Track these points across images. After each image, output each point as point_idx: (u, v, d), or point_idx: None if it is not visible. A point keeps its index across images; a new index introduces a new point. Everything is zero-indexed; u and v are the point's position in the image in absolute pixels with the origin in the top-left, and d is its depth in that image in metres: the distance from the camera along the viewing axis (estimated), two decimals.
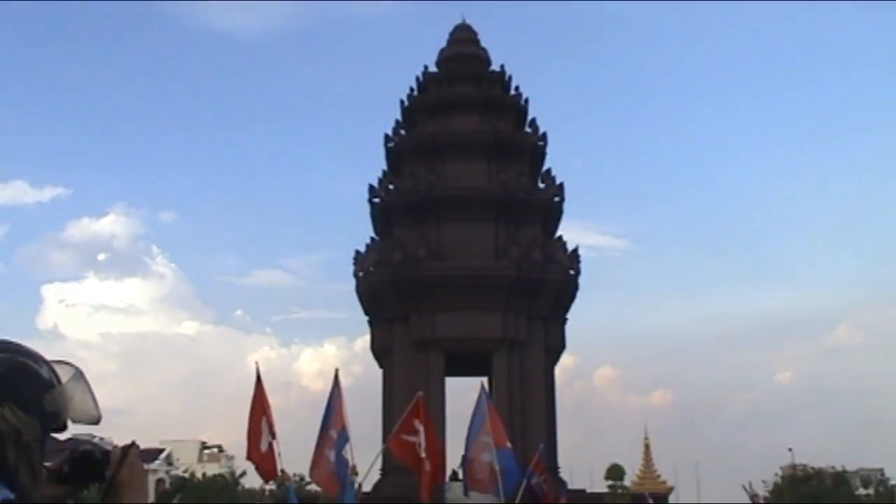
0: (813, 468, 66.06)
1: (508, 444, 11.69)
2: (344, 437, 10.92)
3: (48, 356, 2.11)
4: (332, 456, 10.77)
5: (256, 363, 10.79)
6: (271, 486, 76.93)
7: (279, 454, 10.64)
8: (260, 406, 10.62)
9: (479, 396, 12.12)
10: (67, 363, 2.17)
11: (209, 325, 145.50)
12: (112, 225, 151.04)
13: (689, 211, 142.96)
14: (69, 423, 2.24)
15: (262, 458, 10.45)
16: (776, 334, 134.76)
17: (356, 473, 10.93)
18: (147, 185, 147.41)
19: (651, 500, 13.82)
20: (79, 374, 2.11)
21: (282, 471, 10.71)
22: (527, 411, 31.78)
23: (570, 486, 32.94)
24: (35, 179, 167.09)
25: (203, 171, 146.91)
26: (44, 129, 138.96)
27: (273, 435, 10.45)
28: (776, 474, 68.71)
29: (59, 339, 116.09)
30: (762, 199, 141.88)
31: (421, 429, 11.37)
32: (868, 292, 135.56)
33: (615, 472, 71.33)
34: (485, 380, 31.80)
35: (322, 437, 10.92)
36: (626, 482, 66.69)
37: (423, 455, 11.31)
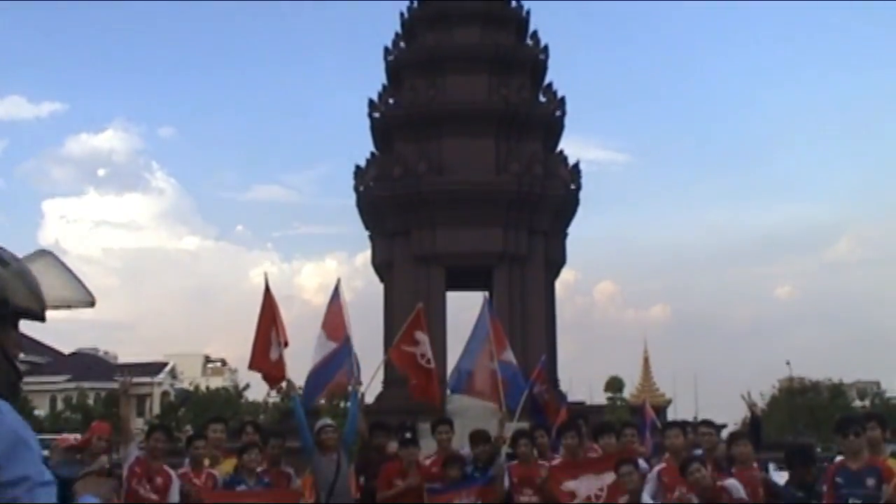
0: (810, 381, 66.86)
1: (513, 359, 11.62)
2: (346, 349, 10.91)
3: None
4: (327, 364, 10.78)
5: (265, 274, 10.78)
6: (274, 398, 78.07)
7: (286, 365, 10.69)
8: (269, 316, 10.60)
9: (482, 309, 12.01)
10: (42, 251, 2.08)
11: (210, 241, 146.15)
12: (111, 140, 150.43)
13: (689, 126, 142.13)
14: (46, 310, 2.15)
15: (271, 367, 10.48)
16: (776, 249, 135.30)
17: (360, 383, 10.96)
18: (145, 101, 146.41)
19: (651, 410, 13.73)
20: (42, 256, 2.01)
21: (288, 381, 10.74)
22: (527, 325, 32.01)
23: (569, 399, 33.39)
24: (32, 95, 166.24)
25: (201, 86, 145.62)
26: (40, 44, 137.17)
27: (284, 344, 10.47)
28: (773, 387, 69.64)
29: (61, 253, 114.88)
30: (763, 114, 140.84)
31: (423, 339, 11.35)
32: (869, 207, 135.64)
33: (614, 385, 72.12)
34: (487, 294, 31.95)
35: (320, 346, 10.90)
36: (625, 395, 67.54)
37: (426, 364, 11.33)
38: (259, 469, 9.58)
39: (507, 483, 9.37)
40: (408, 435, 10.25)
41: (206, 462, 9.48)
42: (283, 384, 10.47)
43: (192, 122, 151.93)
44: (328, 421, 10.64)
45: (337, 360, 10.77)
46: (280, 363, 10.45)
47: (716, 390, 57.26)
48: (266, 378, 10.86)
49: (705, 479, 7.84)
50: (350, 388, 10.61)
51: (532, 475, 9.43)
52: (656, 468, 8.62)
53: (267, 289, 10.71)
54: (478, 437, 10.13)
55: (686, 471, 7.95)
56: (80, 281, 2.07)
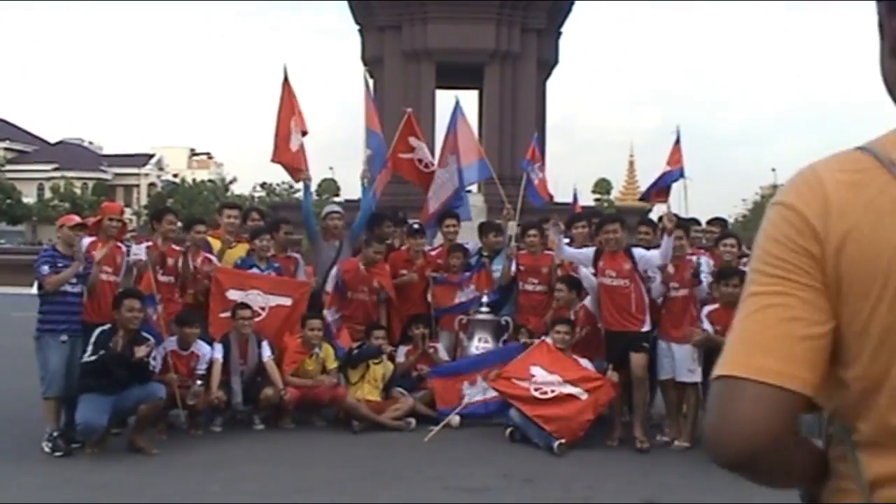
0: None
1: (457, 164, 11.33)
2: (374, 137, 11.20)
3: None
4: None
5: (284, 65, 10.56)
6: (261, 192, 78.31)
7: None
8: (289, 107, 10.48)
9: (453, 112, 11.60)
10: None
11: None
12: None
13: None
14: None
15: (292, 158, 10.49)
16: (770, 55, 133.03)
17: (366, 177, 10.96)
18: None
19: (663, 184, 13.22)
20: None
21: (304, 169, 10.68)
22: (517, 125, 31.87)
23: (556, 199, 33.69)
24: None
25: None
26: None
27: (303, 133, 10.43)
28: (756, 193, 70.38)
29: None
30: None
31: (417, 144, 11.25)
32: None
33: (602, 187, 72.92)
34: (466, 94, 31.59)
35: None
36: (611, 198, 68.25)
37: (426, 168, 11.30)
38: (269, 254, 9.83)
39: (513, 270, 9.70)
40: (415, 225, 10.36)
41: (217, 245, 9.71)
42: (307, 173, 10.43)
43: None
44: (335, 207, 10.77)
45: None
46: (300, 153, 10.47)
47: (702, 195, 57.65)
48: (288, 169, 10.84)
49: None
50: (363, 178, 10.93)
51: (538, 265, 9.69)
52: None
53: (286, 80, 10.56)
54: (487, 228, 10.44)
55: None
56: None
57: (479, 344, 9.37)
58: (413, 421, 9.01)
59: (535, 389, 8.20)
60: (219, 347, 8.86)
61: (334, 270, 9.78)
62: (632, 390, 8.45)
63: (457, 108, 11.45)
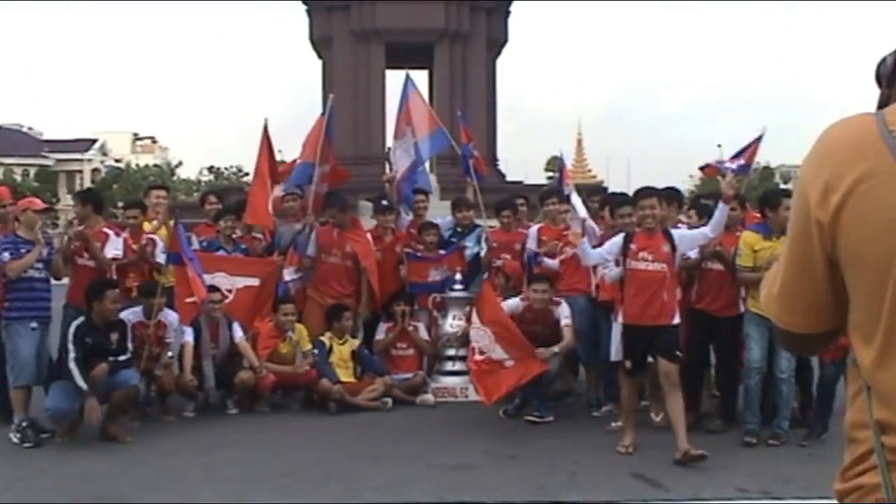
0: None
1: (412, 136, 11.15)
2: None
3: None
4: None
5: (265, 120, 10.25)
6: (208, 176, 77.25)
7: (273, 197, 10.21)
8: (265, 165, 10.13)
9: (403, 87, 11.40)
10: None
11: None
12: None
13: None
14: None
15: (268, 217, 10.03)
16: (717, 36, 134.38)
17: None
18: None
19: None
20: None
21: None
22: (468, 105, 31.73)
23: (507, 179, 33.71)
24: None
25: None
26: None
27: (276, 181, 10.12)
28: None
29: None
30: None
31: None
32: None
33: (554, 165, 73.24)
34: (416, 74, 31.22)
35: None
36: None
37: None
38: (236, 236, 9.73)
39: (485, 248, 9.62)
40: (384, 203, 10.21)
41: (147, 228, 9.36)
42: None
43: None
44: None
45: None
46: (277, 202, 10.02)
47: (648, 172, 58.31)
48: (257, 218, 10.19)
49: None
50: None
51: (511, 241, 9.62)
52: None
53: (265, 132, 10.20)
54: (460, 204, 10.29)
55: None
56: None
57: (454, 322, 9.32)
58: (389, 401, 8.95)
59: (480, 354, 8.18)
60: (189, 331, 8.73)
61: (313, 234, 9.58)
62: (663, 397, 7.44)
63: (407, 81, 11.31)
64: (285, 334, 9.09)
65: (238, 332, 8.94)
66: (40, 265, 7.91)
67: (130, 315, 8.29)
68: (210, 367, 8.78)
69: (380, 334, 9.60)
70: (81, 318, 7.69)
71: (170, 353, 8.49)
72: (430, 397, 9.10)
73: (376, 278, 9.53)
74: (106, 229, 8.75)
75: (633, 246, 7.20)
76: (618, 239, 7.38)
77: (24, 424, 7.63)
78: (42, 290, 7.96)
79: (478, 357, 8.13)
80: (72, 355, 7.49)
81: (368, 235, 9.84)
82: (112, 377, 7.63)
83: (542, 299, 8.30)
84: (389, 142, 13.65)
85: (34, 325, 7.81)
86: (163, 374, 8.45)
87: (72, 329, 7.60)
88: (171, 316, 8.60)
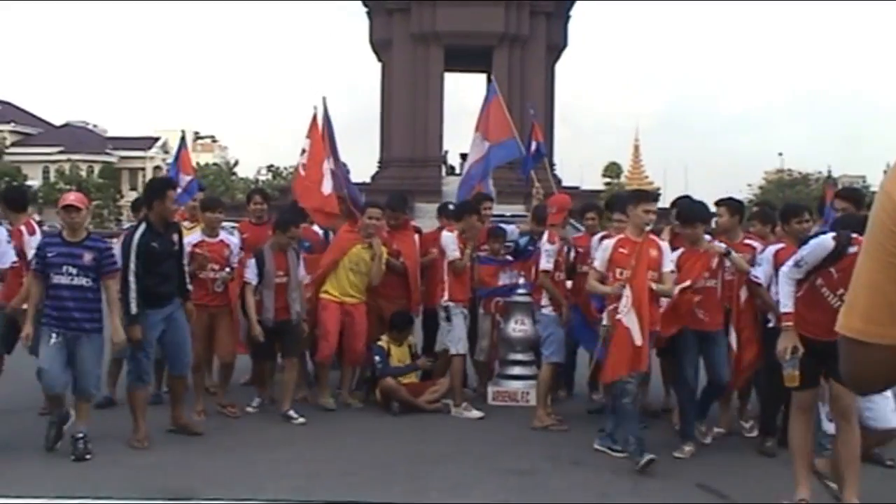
0: (800, 173, 67.43)
1: (486, 142, 11.26)
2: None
3: None
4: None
5: (324, 98, 10.12)
6: (266, 175, 78.04)
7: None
8: (319, 145, 9.81)
9: (488, 89, 11.76)
10: None
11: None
12: None
13: None
14: None
15: (324, 202, 9.62)
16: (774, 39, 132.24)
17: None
18: None
19: None
20: None
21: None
22: (525, 109, 31.87)
23: (563, 183, 33.61)
24: None
25: None
26: None
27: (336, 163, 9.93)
28: (762, 177, 70.31)
29: None
30: None
31: (306, 144, 10.12)
32: None
33: (612, 170, 72.93)
34: (474, 78, 31.20)
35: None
36: (622, 181, 68.19)
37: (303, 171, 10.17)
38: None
39: (572, 254, 9.09)
40: (450, 206, 10.17)
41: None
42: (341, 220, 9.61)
43: None
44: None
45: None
46: (332, 198, 9.66)
47: (707, 180, 57.67)
48: (317, 213, 9.83)
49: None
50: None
51: None
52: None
53: (325, 113, 10.02)
54: (540, 212, 9.54)
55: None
56: None
57: (517, 326, 9.28)
58: (451, 403, 8.95)
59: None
60: (252, 265, 8.44)
61: None
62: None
63: (491, 85, 11.71)
64: (367, 240, 8.98)
65: (302, 270, 8.73)
66: (74, 270, 6.95)
67: (192, 238, 8.20)
68: (270, 298, 8.42)
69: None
70: (144, 226, 7.36)
71: (228, 269, 8.30)
72: (475, 412, 8.79)
73: (416, 279, 9.39)
74: (22, 227, 7.99)
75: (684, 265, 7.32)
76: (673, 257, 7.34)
77: (80, 435, 7.00)
78: (68, 300, 6.95)
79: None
80: (132, 267, 7.12)
81: (416, 237, 9.82)
82: (166, 307, 7.40)
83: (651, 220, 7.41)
84: (447, 145, 13.72)
85: (54, 335, 6.96)
86: (222, 290, 8.35)
87: (135, 239, 7.23)
88: (232, 239, 8.52)
